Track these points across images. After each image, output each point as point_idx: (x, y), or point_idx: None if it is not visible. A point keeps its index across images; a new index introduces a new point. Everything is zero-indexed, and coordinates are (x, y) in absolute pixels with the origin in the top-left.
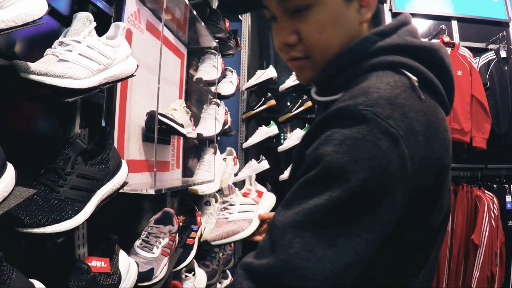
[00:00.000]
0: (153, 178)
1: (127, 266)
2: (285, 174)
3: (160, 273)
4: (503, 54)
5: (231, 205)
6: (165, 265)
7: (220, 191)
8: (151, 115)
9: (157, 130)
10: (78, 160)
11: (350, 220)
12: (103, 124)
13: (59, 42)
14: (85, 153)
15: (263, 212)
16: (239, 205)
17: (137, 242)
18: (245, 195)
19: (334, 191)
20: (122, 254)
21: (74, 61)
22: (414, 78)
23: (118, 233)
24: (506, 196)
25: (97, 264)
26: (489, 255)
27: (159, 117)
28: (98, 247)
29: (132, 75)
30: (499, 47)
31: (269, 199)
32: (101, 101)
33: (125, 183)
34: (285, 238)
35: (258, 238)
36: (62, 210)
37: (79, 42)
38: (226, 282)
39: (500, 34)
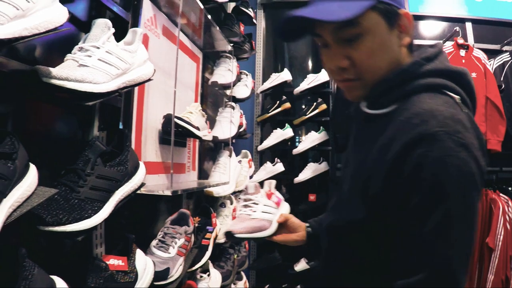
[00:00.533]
0: (169, 180)
1: (144, 265)
2: (300, 177)
3: (176, 272)
4: None
5: (255, 203)
6: (180, 265)
7: (235, 193)
8: (167, 118)
9: (174, 133)
10: (97, 162)
11: (467, 220)
12: (121, 127)
13: (79, 47)
14: (104, 154)
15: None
16: (262, 205)
17: (154, 242)
18: (268, 197)
19: (445, 205)
20: (139, 253)
21: (94, 66)
22: (457, 96)
23: (135, 232)
24: None
25: (115, 262)
26: (504, 258)
27: (176, 120)
28: (116, 246)
29: (149, 79)
30: None
31: (285, 208)
32: (119, 104)
33: (142, 184)
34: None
35: (276, 238)
36: (82, 210)
37: (98, 48)
38: (241, 283)
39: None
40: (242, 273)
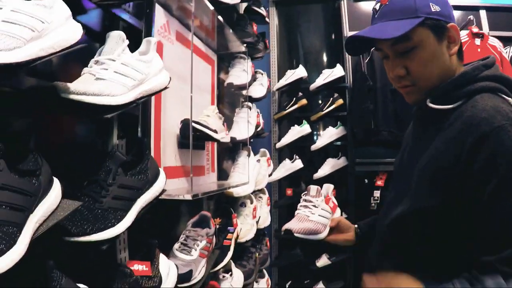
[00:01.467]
0: (189, 184)
1: (167, 269)
2: (319, 173)
3: (199, 274)
4: None
5: (314, 206)
6: (203, 267)
7: (254, 192)
8: (185, 123)
9: (192, 137)
10: (118, 172)
11: None
12: (140, 134)
13: (95, 61)
14: (125, 164)
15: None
16: (320, 209)
17: (176, 245)
18: (326, 201)
19: None
20: (162, 257)
21: (110, 79)
22: (510, 98)
23: (157, 237)
24: None
25: (139, 267)
26: None
27: (194, 124)
28: (139, 251)
29: (165, 88)
30: None
31: (337, 212)
32: (136, 113)
33: (163, 191)
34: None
35: (328, 238)
36: (106, 219)
37: (113, 60)
38: (263, 281)
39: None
40: (264, 271)
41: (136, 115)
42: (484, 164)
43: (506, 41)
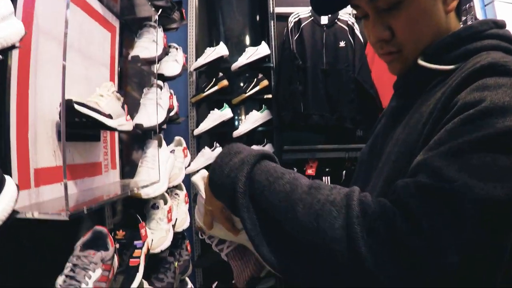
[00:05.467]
0: (79, 188)
1: None
2: None
3: None
4: None
5: None
6: None
7: (170, 189)
8: (67, 106)
9: (77, 125)
10: None
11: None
12: None
13: None
14: None
15: None
16: None
17: (60, 280)
18: None
19: (497, 126)
20: None
21: None
22: None
23: (40, 267)
24: None
25: None
26: None
27: (77, 107)
28: None
29: (14, 47)
30: (466, 18)
31: None
32: None
33: (14, 213)
34: (453, 166)
35: None
36: None
37: None
38: None
39: (467, 5)
40: (187, 280)
41: None
42: (466, 93)
43: None
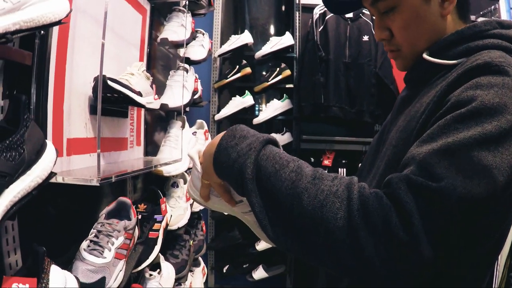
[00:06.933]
0: (106, 160)
1: (63, 284)
2: None
3: (115, 282)
4: None
5: None
6: (120, 271)
7: (189, 169)
8: (99, 80)
9: (108, 100)
10: None
11: (501, 152)
12: (34, 92)
13: None
14: None
15: None
16: None
17: (84, 244)
18: None
19: (485, 126)
20: (54, 270)
21: None
22: None
23: (63, 232)
24: None
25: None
26: None
27: (110, 83)
28: (25, 263)
29: (60, 22)
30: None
31: None
32: (27, 62)
33: (52, 174)
34: (443, 164)
35: None
36: None
37: None
38: (198, 270)
39: (492, 7)
40: (200, 258)
41: (28, 66)
42: (460, 91)
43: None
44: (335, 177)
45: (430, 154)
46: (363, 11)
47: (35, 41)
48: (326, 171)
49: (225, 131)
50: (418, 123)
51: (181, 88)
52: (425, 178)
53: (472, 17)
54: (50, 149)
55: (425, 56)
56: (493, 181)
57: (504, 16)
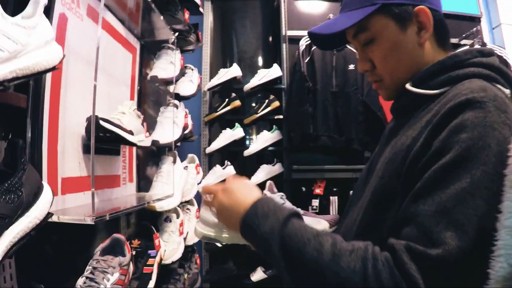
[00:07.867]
0: (99, 199)
1: None
2: (253, 180)
3: None
4: None
5: None
6: None
7: (182, 203)
8: (91, 121)
9: (100, 139)
10: None
11: (491, 197)
12: (29, 133)
13: None
14: None
15: None
16: None
17: (80, 281)
18: None
19: (474, 173)
20: None
21: None
22: (507, 91)
23: (58, 269)
24: None
25: None
26: None
27: (103, 123)
28: None
29: (54, 68)
30: (473, 42)
31: None
32: (22, 104)
33: (49, 215)
34: (441, 226)
35: None
36: None
37: None
38: None
39: (474, 29)
40: None
41: (22, 108)
42: (445, 136)
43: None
44: (352, 251)
45: (428, 218)
46: None
47: (29, 84)
48: (318, 200)
49: (243, 199)
50: (405, 163)
51: (171, 125)
52: (425, 244)
53: (455, 40)
54: (46, 191)
55: (408, 86)
56: (484, 230)
57: (486, 36)
